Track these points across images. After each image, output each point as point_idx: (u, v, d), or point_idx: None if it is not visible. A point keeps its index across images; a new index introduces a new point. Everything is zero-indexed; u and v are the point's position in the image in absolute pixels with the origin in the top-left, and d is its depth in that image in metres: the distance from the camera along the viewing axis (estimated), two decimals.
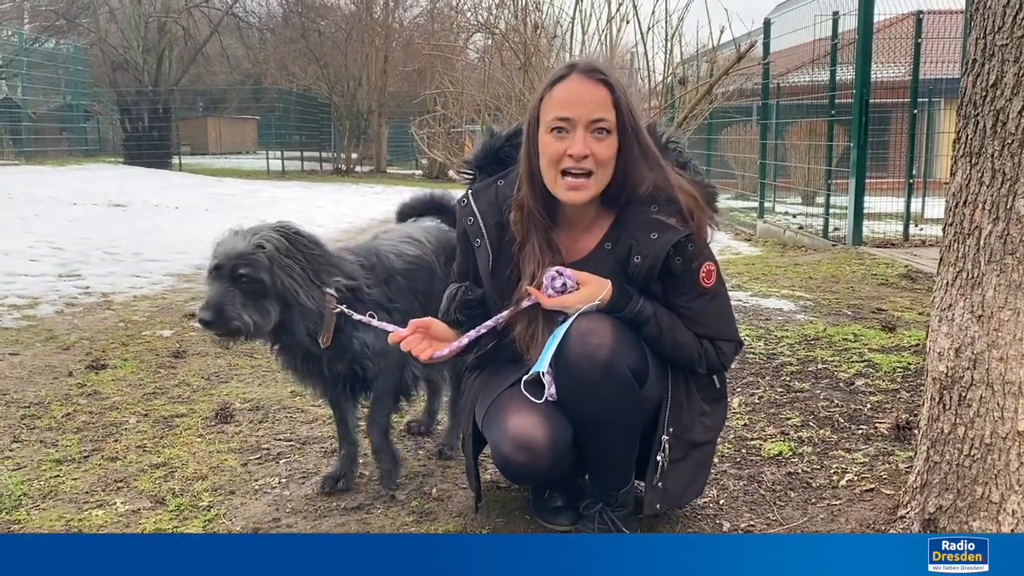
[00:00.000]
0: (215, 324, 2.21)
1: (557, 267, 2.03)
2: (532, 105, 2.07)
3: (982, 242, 1.95)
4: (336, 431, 2.70)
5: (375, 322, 2.39)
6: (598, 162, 1.98)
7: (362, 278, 2.46)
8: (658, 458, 2.12)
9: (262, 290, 2.26)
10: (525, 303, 2.06)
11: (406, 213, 2.98)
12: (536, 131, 2.04)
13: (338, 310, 2.38)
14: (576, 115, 1.96)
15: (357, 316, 2.40)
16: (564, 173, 1.99)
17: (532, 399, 2.02)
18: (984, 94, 1.95)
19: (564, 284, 2.01)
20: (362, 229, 10.30)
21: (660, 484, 2.13)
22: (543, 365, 1.98)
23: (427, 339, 2.13)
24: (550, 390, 2.01)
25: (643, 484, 2.17)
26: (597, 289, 2.01)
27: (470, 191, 2.22)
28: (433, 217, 2.91)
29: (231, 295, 2.23)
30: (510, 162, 2.22)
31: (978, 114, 1.97)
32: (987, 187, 1.94)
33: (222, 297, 2.22)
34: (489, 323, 2.12)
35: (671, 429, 2.12)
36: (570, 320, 2.00)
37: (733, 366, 3.65)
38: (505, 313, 2.10)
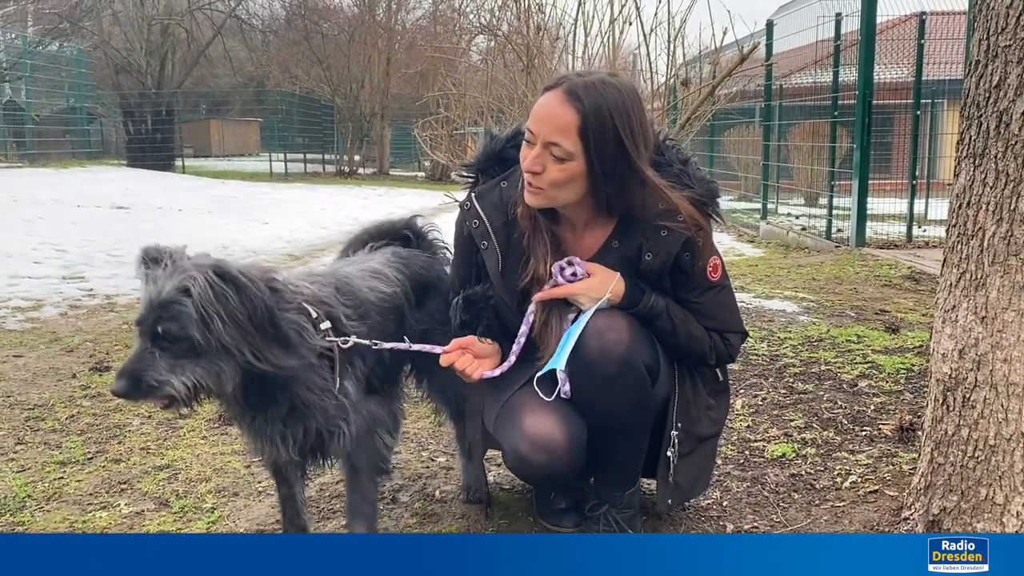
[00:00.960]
0: (129, 394, 1.77)
1: (567, 258, 2.03)
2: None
3: (986, 243, 1.95)
4: (280, 513, 2.24)
5: (416, 346, 2.12)
6: (548, 182, 1.94)
7: (339, 305, 2.04)
8: (668, 454, 2.13)
9: (195, 348, 1.77)
10: (536, 297, 2.04)
11: (364, 240, 2.48)
12: None
13: (350, 343, 1.99)
14: (536, 131, 1.93)
15: (387, 344, 2.06)
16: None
17: (544, 397, 2.01)
18: (987, 95, 1.95)
19: (575, 273, 2.01)
20: None
21: (672, 479, 2.14)
22: (560, 362, 1.98)
23: (476, 358, 2.09)
24: (564, 387, 2.02)
25: (653, 481, 2.18)
26: (607, 278, 2.02)
27: (473, 193, 2.20)
28: (394, 244, 2.45)
29: (150, 356, 1.77)
30: (512, 163, 2.22)
31: (981, 115, 1.96)
32: (991, 188, 1.94)
33: (138, 360, 1.77)
34: (524, 329, 2.08)
35: (679, 424, 2.13)
36: (586, 316, 2.00)
37: (736, 368, 3.65)
38: (531, 309, 2.07)
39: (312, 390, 1.95)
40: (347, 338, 1.98)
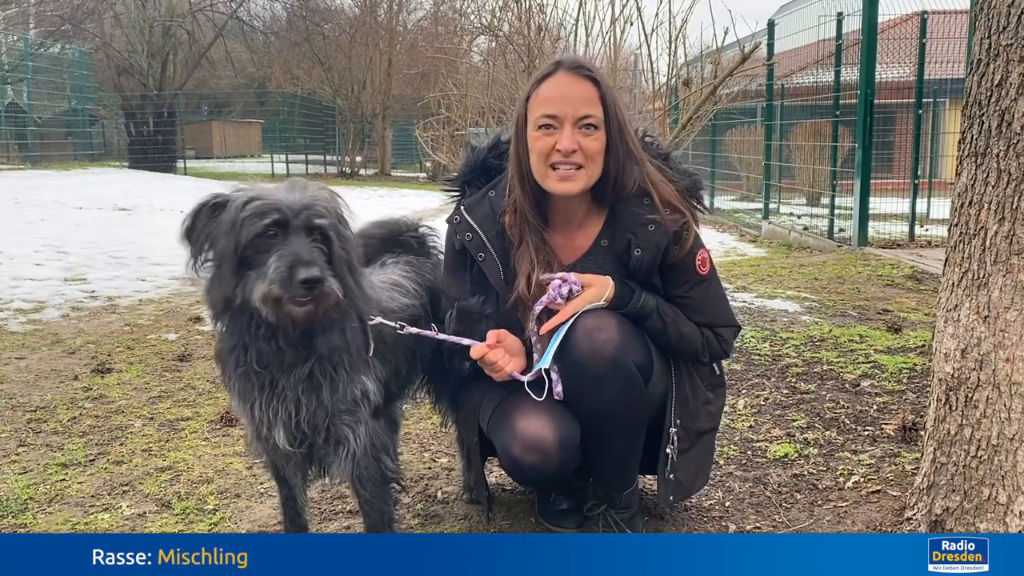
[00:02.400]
0: (322, 284, 1.70)
1: (561, 275, 2.03)
2: (519, 104, 2.09)
3: (988, 242, 1.95)
4: (282, 514, 2.19)
5: (442, 335, 2.08)
6: (587, 156, 1.99)
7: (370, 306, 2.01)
8: (668, 450, 2.13)
9: (329, 254, 1.78)
10: (537, 308, 2.04)
11: (375, 253, 2.38)
12: (525, 129, 2.05)
13: (376, 320, 1.96)
14: (563, 112, 1.97)
15: (414, 330, 2.02)
16: (554, 167, 2.00)
17: (536, 398, 2.02)
18: (989, 94, 1.94)
19: (570, 290, 2.02)
20: None
21: (672, 476, 2.14)
22: (546, 362, 2.00)
23: (507, 353, 2.07)
24: (557, 388, 2.03)
25: (654, 479, 2.17)
26: (601, 288, 2.03)
27: (462, 206, 2.19)
28: (395, 252, 2.40)
29: (318, 252, 1.73)
30: (496, 172, 2.22)
31: (983, 114, 1.96)
32: (992, 187, 1.93)
33: (311, 252, 1.71)
34: (542, 338, 2.08)
35: (678, 421, 2.13)
36: (573, 318, 2.00)
37: (738, 368, 3.65)
38: (533, 329, 2.08)
39: (340, 351, 1.88)
40: (373, 317, 1.96)
